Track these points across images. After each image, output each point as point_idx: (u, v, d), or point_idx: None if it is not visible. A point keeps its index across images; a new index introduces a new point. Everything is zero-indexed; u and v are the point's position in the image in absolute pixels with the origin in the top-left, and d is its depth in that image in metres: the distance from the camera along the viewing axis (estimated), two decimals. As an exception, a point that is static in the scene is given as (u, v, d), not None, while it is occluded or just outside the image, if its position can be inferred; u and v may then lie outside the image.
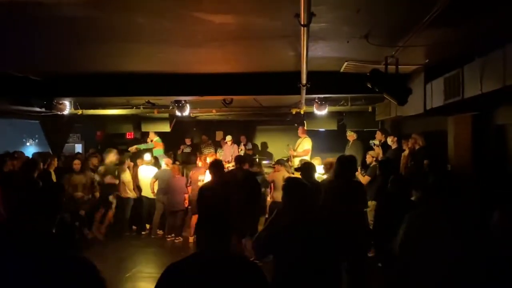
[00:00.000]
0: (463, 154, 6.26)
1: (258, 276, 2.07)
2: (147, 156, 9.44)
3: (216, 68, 6.28)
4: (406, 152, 7.23)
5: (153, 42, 4.74)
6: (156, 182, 8.81)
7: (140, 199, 9.08)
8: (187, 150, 11.97)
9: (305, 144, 9.84)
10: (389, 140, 8.05)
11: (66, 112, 8.38)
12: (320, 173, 7.34)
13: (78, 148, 13.97)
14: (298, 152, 9.82)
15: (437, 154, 6.78)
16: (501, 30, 3.73)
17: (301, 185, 3.21)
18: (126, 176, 8.85)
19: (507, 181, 5.24)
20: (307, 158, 9.09)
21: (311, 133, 10.26)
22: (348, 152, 9.41)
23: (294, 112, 9.45)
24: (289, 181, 3.34)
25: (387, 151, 7.97)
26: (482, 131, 6.15)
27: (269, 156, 12.55)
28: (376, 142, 8.37)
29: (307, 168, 5.94)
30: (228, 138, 11.58)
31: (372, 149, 8.33)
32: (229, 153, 11.32)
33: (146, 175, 9.05)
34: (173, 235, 8.61)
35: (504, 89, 3.72)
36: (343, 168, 5.05)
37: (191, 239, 8.37)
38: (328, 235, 2.97)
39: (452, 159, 6.43)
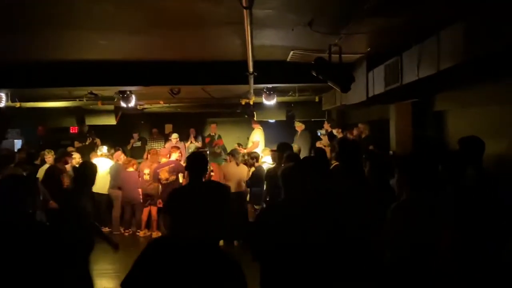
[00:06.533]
0: (404, 140, 6.55)
1: (231, 265, 2.06)
2: (103, 148, 9.10)
3: (161, 56, 6.12)
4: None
5: (95, 29, 4.56)
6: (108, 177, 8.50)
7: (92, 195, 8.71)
8: (137, 144, 11.67)
9: (254, 136, 9.90)
10: (335, 131, 8.36)
11: (2, 105, 7.87)
12: (269, 163, 7.43)
13: (18, 144, 13.18)
14: (249, 147, 9.86)
15: (381, 142, 7.05)
16: (436, 17, 3.90)
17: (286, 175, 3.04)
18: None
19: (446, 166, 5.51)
20: (258, 150, 9.14)
21: (261, 124, 10.34)
22: (296, 142, 9.57)
23: (243, 103, 9.47)
24: (283, 171, 3.14)
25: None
26: (421, 117, 6.47)
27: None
28: (323, 131, 8.61)
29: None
30: (174, 136, 10.41)
31: (320, 139, 8.54)
32: None
33: (101, 169, 8.65)
34: (136, 230, 8.48)
35: (438, 74, 3.91)
36: None
37: (141, 233, 8.22)
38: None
39: (394, 145, 6.70)
